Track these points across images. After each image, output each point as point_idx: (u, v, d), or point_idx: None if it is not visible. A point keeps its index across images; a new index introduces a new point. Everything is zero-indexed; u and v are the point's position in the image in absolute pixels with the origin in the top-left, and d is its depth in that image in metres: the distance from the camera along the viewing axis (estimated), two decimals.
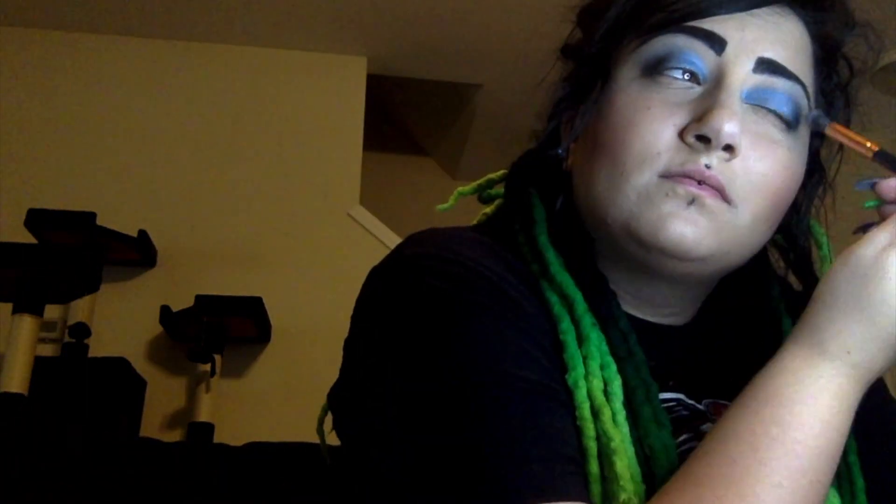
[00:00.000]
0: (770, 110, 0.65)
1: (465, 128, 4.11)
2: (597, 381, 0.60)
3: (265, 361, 3.02)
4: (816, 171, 0.72)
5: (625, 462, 0.57)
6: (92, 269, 2.38)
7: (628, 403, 0.61)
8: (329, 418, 0.71)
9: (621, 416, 0.59)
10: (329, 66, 3.46)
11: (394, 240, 3.03)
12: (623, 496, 0.56)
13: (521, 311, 0.61)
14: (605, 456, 0.57)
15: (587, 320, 0.62)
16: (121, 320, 2.93)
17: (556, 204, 0.71)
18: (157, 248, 3.04)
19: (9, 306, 2.26)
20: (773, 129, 0.64)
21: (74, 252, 2.42)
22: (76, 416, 2.41)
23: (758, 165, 0.63)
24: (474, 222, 0.78)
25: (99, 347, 2.74)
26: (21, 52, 3.26)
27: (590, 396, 0.59)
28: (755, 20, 0.65)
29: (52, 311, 2.57)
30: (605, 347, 0.62)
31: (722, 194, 0.62)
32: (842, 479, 0.66)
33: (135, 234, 2.92)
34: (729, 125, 0.61)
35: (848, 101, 0.71)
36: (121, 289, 2.98)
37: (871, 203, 0.60)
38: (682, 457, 0.58)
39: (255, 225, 3.20)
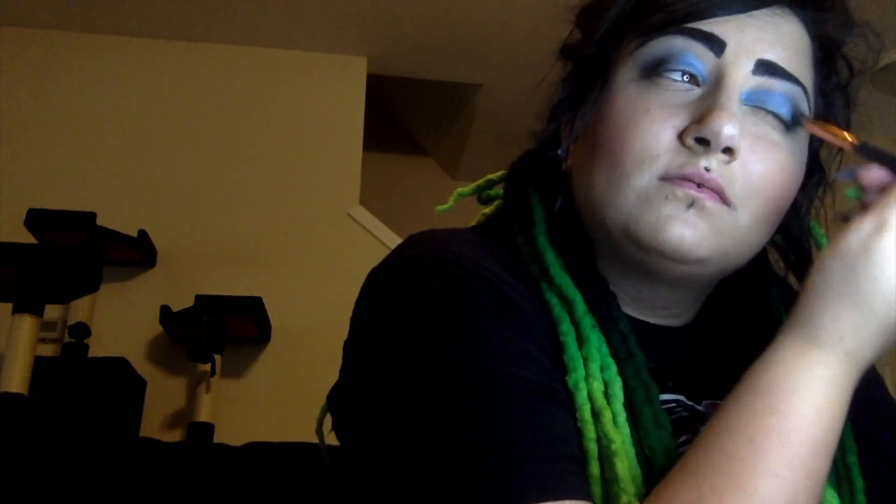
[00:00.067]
0: (769, 112, 0.65)
1: (465, 128, 4.12)
2: (597, 383, 0.60)
3: (265, 361, 3.03)
4: (816, 172, 0.72)
5: (626, 464, 0.57)
6: (92, 269, 2.38)
7: (629, 405, 0.61)
8: (328, 419, 0.71)
9: (622, 417, 0.59)
10: (329, 66, 3.47)
11: (394, 240, 3.03)
12: (624, 498, 0.56)
13: (521, 311, 0.61)
14: (605, 458, 0.57)
15: (587, 322, 0.62)
16: (121, 320, 2.93)
17: (555, 205, 0.71)
18: (157, 248, 3.05)
19: (9, 306, 2.27)
20: (773, 131, 0.64)
21: (74, 252, 2.43)
22: (76, 416, 2.41)
23: (757, 167, 0.63)
24: (473, 223, 0.78)
25: (99, 347, 2.75)
26: (21, 52, 3.26)
27: (590, 398, 0.59)
28: (754, 21, 0.65)
29: (52, 311, 2.58)
30: (605, 349, 0.62)
31: (721, 197, 0.62)
32: (841, 479, 0.66)
33: (135, 234, 2.93)
34: (728, 128, 0.61)
35: (848, 102, 0.71)
36: (121, 289, 2.98)
37: (853, 192, 0.60)
38: None
39: (255, 225, 3.20)
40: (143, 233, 2.95)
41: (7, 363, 2.20)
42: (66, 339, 2.73)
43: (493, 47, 3.33)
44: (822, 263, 0.56)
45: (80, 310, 2.71)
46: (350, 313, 0.67)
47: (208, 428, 2.71)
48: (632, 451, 0.58)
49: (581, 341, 0.62)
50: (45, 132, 3.20)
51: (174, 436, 2.83)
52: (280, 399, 2.89)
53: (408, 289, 0.61)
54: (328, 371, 0.73)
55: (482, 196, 0.80)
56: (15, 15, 3.19)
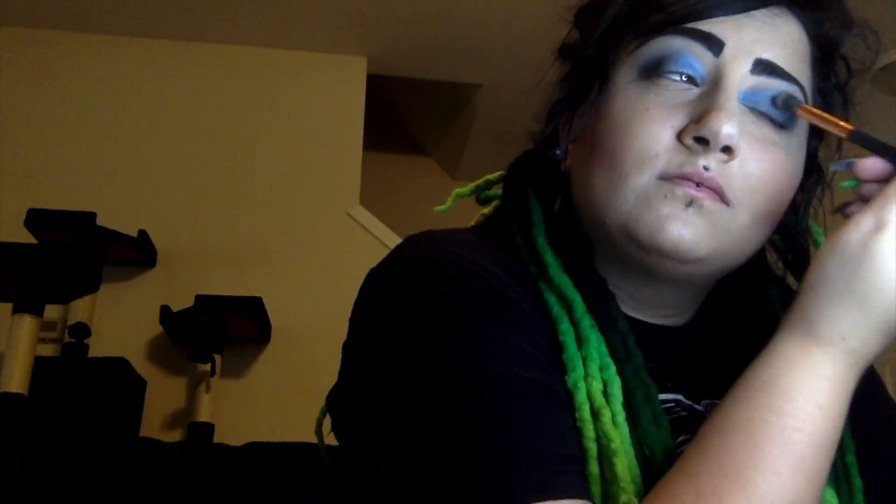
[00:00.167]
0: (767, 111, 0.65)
1: (465, 128, 4.12)
2: (596, 383, 0.60)
3: (265, 361, 3.02)
4: (814, 171, 0.72)
5: (625, 463, 0.57)
6: (92, 269, 2.38)
7: (628, 405, 0.61)
8: (328, 420, 0.71)
9: (621, 417, 0.59)
10: (329, 66, 3.47)
11: (394, 240, 3.03)
12: (623, 497, 0.56)
13: (520, 312, 0.61)
14: (605, 457, 0.57)
15: (586, 322, 0.63)
16: (121, 320, 2.93)
17: (554, 205, 0.71)
18: (157, 248, 3.05)
19: (9, 306, 2.27)
20: (771, 131, 0.65)
21: (74, 252, 2.43)
22: (76, 416, 2.41)
23: (756, 166, 0.63)
24: (472, 223, 0.78)
25: (99, 347, 2.75)
26: (21, 52, 3.26)
27: (589, 398, 0.59)
28: (753, 21, 0.65)
29: (52, 311, 2.58)
30: (604, 349, 0.62)
31: (720, 196, 0.62)
32: (840, 479, 0.66)
33: (135, 234, 2.92)
34: (727, 127, 0.61)
35: (846, 101, 0.71)
36: (121, 289, 2.98)
37: (849, 183, 0.60)
38: None
39: (255, 225, 3.20)
40: (143, 233, 2.95)
41: (7, 363, 2.20)
42: (66, 339, 2.73)
43: (493, 47, 3.33)
44: (822, 261, 0.56)
45: (80, 310, 2.71)
46: (350, 313, 0.67)
47: (208, 428, 2.71)
48: (631, 451, 0.58)
49: (580, 341, 0.62)
50: (45, 132, 3.20)
51: (174, 436, 2.83)
52: (280, 399, 2.89)
53: (407, 289, 0.61)
54: (328, 371, 0.73)
55: (480, 196, 0.80)
56: (15, 15, 3.19)
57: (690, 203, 0.62)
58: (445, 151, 4.45)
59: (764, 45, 0.65)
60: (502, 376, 0.57)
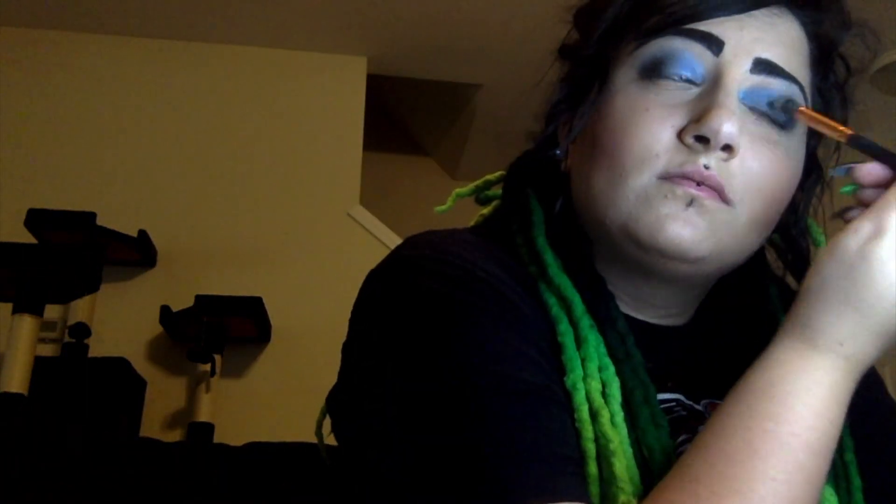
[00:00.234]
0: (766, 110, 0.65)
1: (465, 128, 4.11)
2: (595, 383, 0.60)
3: (265, 361, 3.02)
4: (814, 171, 0.72)
5: (623, 463, 0.57)
6: (92, 269, 2.38)
7: (626, 405, 0.61)
8: (328, 421, 0.71)
9: (620, 417, 0.59)
10: (329, 66, 3.46)
11: (394, 240, 3.03)
12: (622, 497, 0.56)
13: (519, 312, 0.61)
14: (603, 458, 0.57)
15: (585, 322, 0.63)
16: (121, 320, 2.93)
17: (554, 205, 0.71)
18: (157, 248, 3.04)
19: (9, 306, 2.26)
20: (771, 130, 0.65)
21: (74, 252, 2.42)
22: (76, 416, 2.41)
23: (756, 165, 0.63)
24: (472, 223, 0.78)
25: (99, 347, 2.74)
26: (21, 52, 3.26)
27: (588, 398, 0.59)
28: (752, 21, 0.65)
29: (52, 311, 2.57)
30: (603, 349, 0.62)
31: (721, 195, 0.62)
32: (839, 478, 0.66)
33: (135, 234, 2.92)
34: (727, 125, 0.61)
35: (845, 101, 0.71)
36: (121, 289, 2.98)
37: (848, 188, 0.60)
38: None
39: (255, 225, 3.20)
40: (143, 233, 2.95)
41: (7, 363, 2.20)
42: (66, 339, 2.72)
43: (493, 47, 3.33)
44: (820, 267, 0.56)
45: (80, 310, 2.71)
46: (350, 314, 0.67)
47: (208, 428, 2.71)
48: (630, 451, 0.58)
49: (579, 341, 0.62)
50: (45, 132, 3.20)
51: (174, 436, 2.83)
52: (280, 399, 2.88)
53: (406, 290, 0.62)
54: (328, 371, 0.73)
55: (480, 197, 0.80)
56: (15, 15, 3.19)
57: (691, 202, 0.62)
58: (445, 151, 4.45)
59: (764, 44, 0.65)
60: (502, 377, 0.57)
